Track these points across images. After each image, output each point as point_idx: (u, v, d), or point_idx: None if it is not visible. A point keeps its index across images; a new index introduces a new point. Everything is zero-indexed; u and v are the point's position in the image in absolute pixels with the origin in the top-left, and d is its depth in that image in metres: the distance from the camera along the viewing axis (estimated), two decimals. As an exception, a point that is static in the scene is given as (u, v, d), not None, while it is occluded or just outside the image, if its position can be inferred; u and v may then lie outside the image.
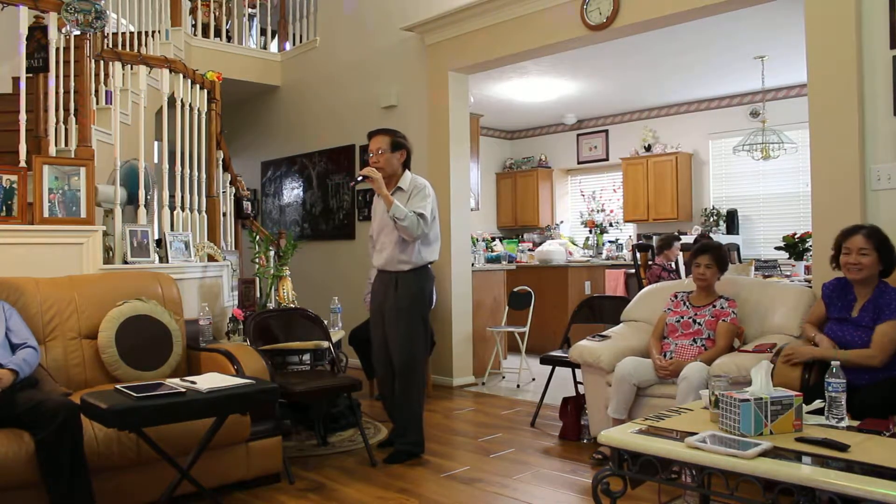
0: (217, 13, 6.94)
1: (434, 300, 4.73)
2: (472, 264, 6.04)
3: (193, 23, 6.78)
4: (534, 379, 5.87)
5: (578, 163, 9.83)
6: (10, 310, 2.98)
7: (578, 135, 9.83)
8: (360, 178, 3.67)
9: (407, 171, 3.78)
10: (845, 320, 3.00)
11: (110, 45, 5.25)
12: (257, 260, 4.67)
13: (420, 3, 5.93)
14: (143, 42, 5.77)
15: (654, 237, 6.88)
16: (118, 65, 4.09)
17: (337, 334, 4.45)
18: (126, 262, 3.81)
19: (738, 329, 3.56)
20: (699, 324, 3.57)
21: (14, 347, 2.86)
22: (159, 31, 6.05)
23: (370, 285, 5.41)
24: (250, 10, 7.61)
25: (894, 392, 2.73)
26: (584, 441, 4.03)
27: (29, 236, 3.45)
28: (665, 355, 3.58)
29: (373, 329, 3.88)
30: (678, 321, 3.64)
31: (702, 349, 3.51)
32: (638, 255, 5.92)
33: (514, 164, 10.42)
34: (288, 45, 7.60)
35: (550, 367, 4.50)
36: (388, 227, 3.72)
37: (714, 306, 3.60)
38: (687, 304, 3.70)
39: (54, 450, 2.54)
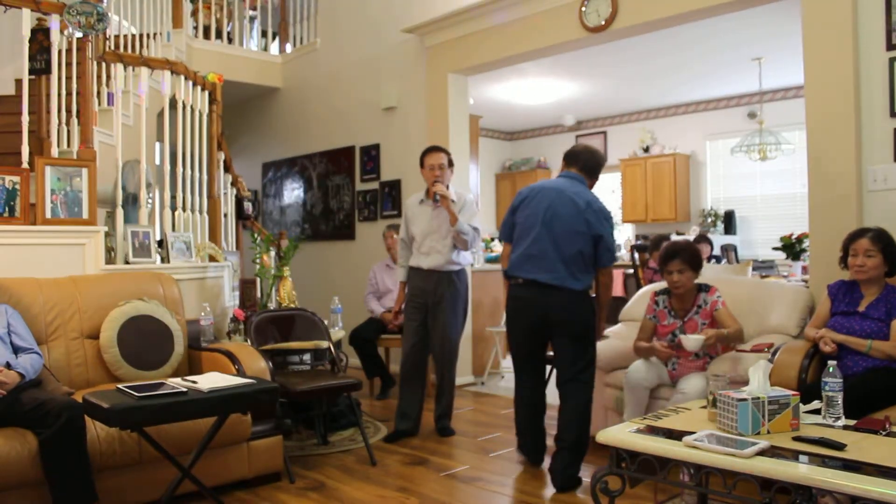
0: (218, 15, 6.96)
1: None
2: (472, 264, 6.06)
3: (195, 25, 6.80)
4: (533, 379, 5.88)
5: (577, 164, 9.85)
6: (13, 312, 3.00)
7: (577, 136, 9.87)
8: (437, 199, 4.04)
9: (449, 185, 4.18)
10: (852, 314, 3.05)
11: (112, 47, 5.28)
12: (258, 260, 4.69)
13: (420, 5, 5.95)
14: (145, 44, 5.79)
15: (651, 237, 6.90)
16: (120, 66, 4.11)
17: (337, 334, 4.47)
18: (128, 263, 3.83)
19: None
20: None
21: (17, 350, 2.88)
22: (161, 33, 6.07)
23: (372, 285, 5.51)
24: (251, 12, 7.63)
25: (892, 379, 2.82)
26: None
27: (31, 237, 3.47)
28: (666, 364, 3.51)
29: (409, 325, 4.15)
30: (671, 340, 3.47)
31: (706, 359, 3.43)
32: (636, 255, 5.96)
33: (513, 165, 10.44)
34: (289, 47, 7.61)
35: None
36: (437, 234, 4.06)
37: (698, 307, 3.45)
38: (672, 313, 3.50)
39: (58, 449, 2.56)
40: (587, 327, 3.34)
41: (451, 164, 4.13)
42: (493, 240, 8.07)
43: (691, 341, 3.29)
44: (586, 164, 3.49)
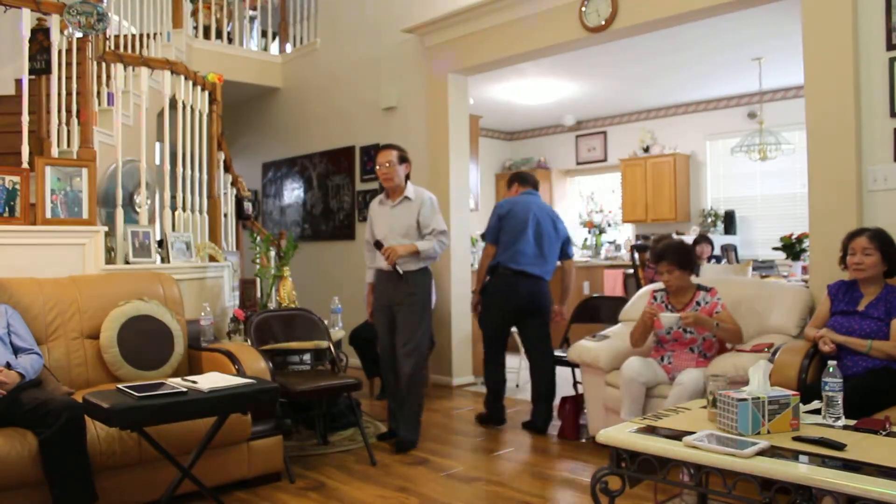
0: (218, 15, 6.96)
1: (434, 298, 4.93)
2: (472, 264, 6.06)
3: (195, 25, 6.80)
4: (533, 379, 5.88)
5: (577, 164, 9.85)
6: (13, 312, 3.00)
7: (577, 136, 9.86)
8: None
9: (409, 182, 4.09)
10: (851, 313, 3.06)
11: (112, 47, 5.28)
12: (258, 260, 4.69)
13: (420, 5, 5.95)
14: (145, 44, 5.79)
15: (652, 237, 6.90)
16: (120, 66, 4.11)
17: (337, 334, 4.47)
18: (128, 263, 3.83)
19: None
20: (690, 332, 3.49)
21: (17, 351, 2.88)
22: (161, 33, 6.08)
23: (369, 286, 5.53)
24: (251, 12, 7.63)
25: (893, 379, 2.83)
26: (583, 440, 4.06)
27: (31, 237, 3.47)
28: (662, 359, 3.56)
29: (379, 325, 4.09)
30: (668, 332, 3.54)
31: (699, 356, 3.48)
32: (637, 255, 5.96)
33: (513, 165, 10.44)
34: (289, 47, 7.62)
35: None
36: (395, 232, 3.98)
37: (697, 303, 3.51)
38: (669, 307, 3.57)
39: (58, 449, 2.56)
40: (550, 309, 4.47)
41: (403, 160, 4.01)
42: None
43: (666, 318, 3.43)
44: (535, 184, 4.62)
